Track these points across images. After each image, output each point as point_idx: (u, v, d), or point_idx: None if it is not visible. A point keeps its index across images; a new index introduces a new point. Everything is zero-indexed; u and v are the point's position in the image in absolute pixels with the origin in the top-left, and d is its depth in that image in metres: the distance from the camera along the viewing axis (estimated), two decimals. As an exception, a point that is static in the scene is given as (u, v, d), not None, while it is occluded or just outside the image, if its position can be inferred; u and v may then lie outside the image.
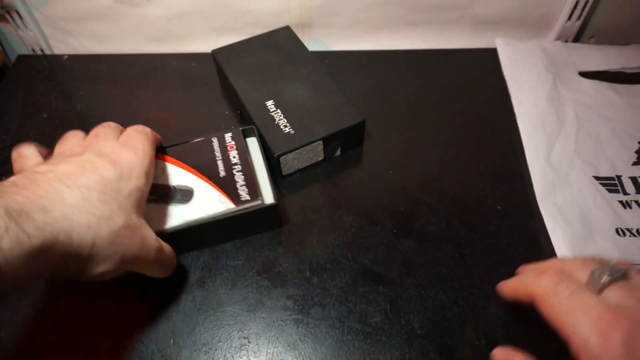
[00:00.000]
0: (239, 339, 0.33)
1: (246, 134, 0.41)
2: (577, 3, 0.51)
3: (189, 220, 0.35)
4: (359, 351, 0.32)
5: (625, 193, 0.40)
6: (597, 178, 0.41)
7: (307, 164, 0.43)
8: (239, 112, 0.46)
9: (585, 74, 0.50)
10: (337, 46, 0.56)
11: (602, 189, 0.40)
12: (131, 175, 0.30)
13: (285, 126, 0.41)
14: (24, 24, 0.54)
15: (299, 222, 0.39)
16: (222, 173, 0.38)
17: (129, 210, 0.28)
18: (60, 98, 0.50)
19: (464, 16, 0.53)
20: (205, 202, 0.36)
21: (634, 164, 0.42)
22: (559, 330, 0.25)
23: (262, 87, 0.44)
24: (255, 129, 0.41)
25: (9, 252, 0.22)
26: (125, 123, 0.47)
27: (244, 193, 0.36)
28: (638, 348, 0.22)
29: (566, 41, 0.55)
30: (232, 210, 0.35)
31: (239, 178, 0.37)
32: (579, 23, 0.53)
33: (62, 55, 0.55)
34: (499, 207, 0.40)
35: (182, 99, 0.50)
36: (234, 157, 0.39)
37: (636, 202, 0.39)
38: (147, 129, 0.35)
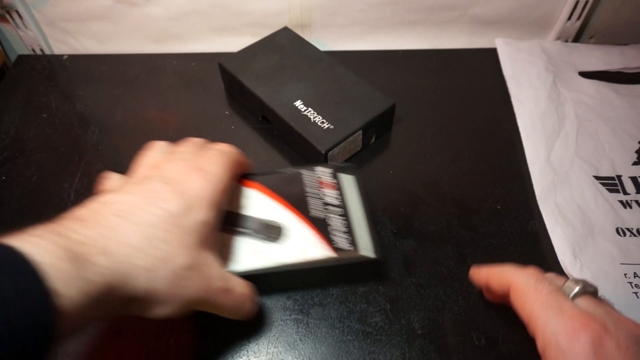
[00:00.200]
0: (239, 339, 0.33)
1: (340, 171, 0.37)
2: (577, 3, 0.51)
3: (279, 262, 0.32)
4: (359, 351, 0.32)
5: (625, 193, 0.40)
6: (597, 178, 0.41)
7: (348, 156, 0.43)
8: (261, 118, 0.46)
9: (585, 74, 0.50)
10: (337, 46, 0.56)
11: (603, 189, 0.40)
12: (198, 207, 0.27)
13: (323, 122, 0.41)
14: (24, 24, 0.54)
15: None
16: (317, 213, 0.34)
17: (192, 248, 0.26)
18: (60, 98, 0.50)
19: (464, 16, 0.53)
20: (297, 244, 0.33)
21: (634, 163, 0.42)
22: (529, 323, 0.26)
23: (285, 89, 0.43)
24: (353, 167, 0.37)
25: (73, 300, 0.20)
26: (125, 123, 0.47)
27: (342, 240, 0.33)
28: (605, 350, 0.23)
29: (566, 41, 0.55)
30: (328, 259, 0.32)
31: (336, 221, 0.34)
32: (579, 23, 0.53)
33: (62, 55, 0.55)
34: (499, 207, 0.40)
35: (182, 99, 0.50)
36: (331, 197, 0.35)
37: (636, 201, 0.39)
38: (232, 152, 0.32)
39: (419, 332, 0.33)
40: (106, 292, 0.22)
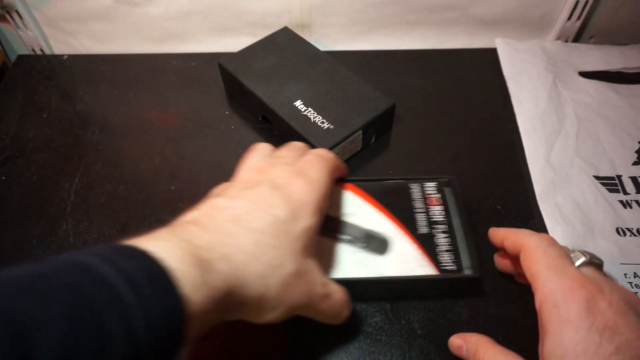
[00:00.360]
0: (239, 339, 0.33)
1: (445, 185, 0.37)
2: (577, 3, 0.51)
3: (383, 275, 0.32)
4: (359, 351, 0.32)
5: (625, 193, 0.40)
6: (597, 178, 0.41)
7: (348, 156, 0.43)
8: (261, 118, 0.46)
9: (585, 74, 0.50)
10: (337, 46, 0.56)
11: (603, 189, 0.40)
12: (304, 214, 0.27)
13: (323, 122, 0.41)
14: (24, 24, 0.54)
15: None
16: (423, 229, 0.34)
17: (299, 254, 0.26)
18: (60, 98, 0.50)
19: (464, 16, 0.53)
20: (401, 259, 0.32)
21: (634, 163, 0.42)
22: (532, 282, 0.28)
23: (285, 90, 0.43)
24: (454, 180, 0.37)
25: (198, 305, 0.21)
26: (125, 123, 0.47)
27: (446, 259, 0.32)
28: (597, 307, 0.25)
29: (566, 41, 0.55)
30: (429, 276, 0.32)
31: (441, 239, 0.33)
32: (579, 23, 0.53)
33: (62, 55, 0.55)
34: (499, 207, 0.40)
35: (182, 99, 0.50)
36: (437, 212, 0.35)
37: (636, 201, 0.39)
38: (330, 156, 0.32)
39: (419, 332, 0.33)
40: (225, 298, 0.22)
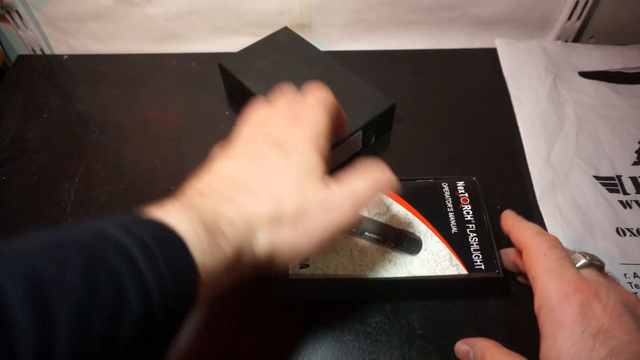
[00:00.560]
0: (239, 339, 0.33)
1: (471, 184, 0.37)
2: (577, 3, 0.51)
3: (414, 275, 0.32)
4: (359, 351, 0.32)
5: (625, 193, 0.40)
6: (597, 178, 0.41)
7: (348, 156, 0.43)
8: None
9: (585, 74, 0.50)
10: (337, 46, 0.56)
11: (602, 189, 0.40)
12: (303, 162, 0.27)
13: None
14: (24, 24, 0.54)
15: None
16: (454, 229, 0.34)
17: (303, 202, 0.25)
18: (60, 98, 0.50)
19: (464, 16, 0.53)
20: (433, 259, 0.33)
21: (634, 163, 0.42)
22: (532, 284, 0.28)
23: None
24: (475, 181, 0.37)
25: (209, 269, 0.22)
26: (125, 123, 0.47)
27: (474, 258, 0.33)
28: (592, 311, 0.25)
29: (566, 41, 0.55)
30: (458, 276, 0.32)
31: (473, 239, 0.33)
32: (579, 23, 0.53)
33: (62, 55, 0.55)
34: (499, 207, 0.40)
35: (182, 99, 0.50)
36: (468, 213, 0.35)
37: (636, 202, 0.39)
38: (324, 96, 0.30)
39: (419, 332, 0.33)
40: (237, 259, 0.23)
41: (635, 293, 0.34)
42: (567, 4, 0.51)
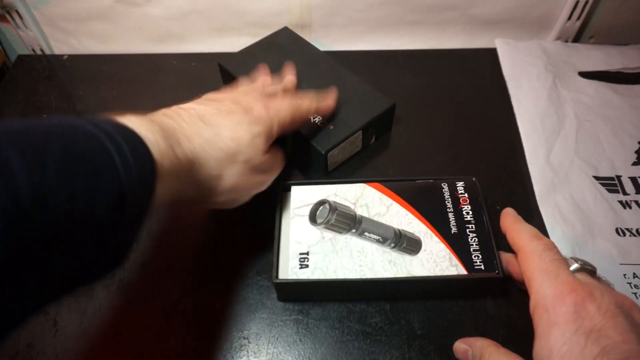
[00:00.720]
0: (239, 339, 0.33)
1: (470, 184, 0.37)
2: (577, 3, 0.51)
3: (414, 275, 0.32)
4: (359, 351, 0.32)
5: (625, 193, 0.40)
6: (596, 178, 0.41)
7: (348, 156, 0.43)
8: None
9: (585, 74, 0.50)
10: (337, 46, 0.56)
11: (602, 189, 0.40)
12: (257, 123, 0.32)
13: (323, 123, 0.41)
14: (24, 24, 0.54)
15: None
16: (454, 229, 0.34)
17: (252, 150, 0.31)
18: (60, 98, 0.50)
19: (464, 16, 0.53)
20: (433, 260, 0.33)
21: (634, 164, 0.42)
22: (527, 285, 0.28)
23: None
24: (474, 180, 0.37)
25: (167, 171, 0.25)
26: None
27: (474, 258, 0.33)
28: (586, 311, 0.25)
29: (566, 41, 0.55)
30: (457, 276, 0.32)
31: (473, 240, 0.34)
32: (579, 23, 0.53)
33: (62, 55, 0.55)
34: (498, 207, 0.40)
35: (182, 99, 0.49)
36: (467, 213, 0.35)
37: (636, 202, 0.39)
38: (300, 103, 0.36)
39: (418, 332, 0.33)
40: (188, 170, 0.28)
41: (635, 293, 0.34)
42: (567, 4, 0.51)
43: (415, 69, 0.52)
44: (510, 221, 0.33)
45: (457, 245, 0.33)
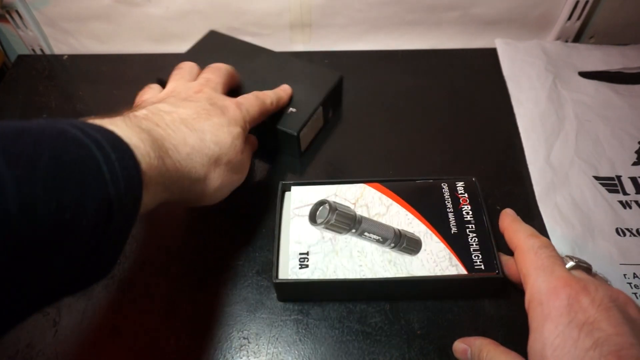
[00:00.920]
0: (239, 339, 0.33)
1: (470, 184, 0.37)
2: (577, 3, 0.51)
3: (414, 275, 0.32)
4: (359, 351, 0.32)
5: (625, 193, 0.40)
6: (597, 178, 0.41)
7: (314, 134, 0.45)
8: None
9: (585, 74, 0.50)
10: (337, 46, 0.56)
11: (602, 189, 0.40)
12: (236, 123, 0.33)
13: (284, 108, 0.42)
14: (24, 24, 0.54)
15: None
16: (454, 229, 0.34)
17: (233, 152, 0.32)
18: (60, 98, 0.50)
19: (464, 16, 0.53)
20: (433, 259, 0.33)
21: (634, 164, 0.42)
22: (523, 281, 0.29)
23: (236, 88, 0.43)
24: (473, 179, 0.37)
25: (154, 181, 0.25)
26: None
27: (474, 258, 0.33)
28: (579, 304, 0.25)
29: (566, 41, 0.55)
30: (457, 276, 0.32)
31: (473, 240, 0.34)
32: (579, 23, 0.53)
33: (62, 55, 0.55)
34: (498, 207, 0.40)
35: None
36: (467, 213, 0.35)
37: (636, 202, 0.39)
38: (264, 98, 0.38)
39: (418, 332, 0.33)
40: (175, 180, 0.28)
41: (635, 293, 0.34)
42: (567, 4, 0.51)
43: (415, 69, 0.52)
44: (508, 221, 0.33)
45: (457, 245, 0.33)
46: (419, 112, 0.48)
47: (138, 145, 0.25)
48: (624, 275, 0.35)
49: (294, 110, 0.42)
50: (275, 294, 0.35)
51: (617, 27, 0.55)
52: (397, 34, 0.55)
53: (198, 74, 0.39)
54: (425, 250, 0.33)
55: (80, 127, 0.23)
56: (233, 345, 0.33)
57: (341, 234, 0.34)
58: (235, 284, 0.36)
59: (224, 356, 0.33)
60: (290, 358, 0.32)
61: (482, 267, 0.32)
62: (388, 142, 0.45)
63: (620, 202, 0.39)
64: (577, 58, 0.51)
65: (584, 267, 0.29)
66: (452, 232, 0.34)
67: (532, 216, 0.39)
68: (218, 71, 0.38)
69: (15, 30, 0.55)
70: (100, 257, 0.23)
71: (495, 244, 0.33)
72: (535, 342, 0.26)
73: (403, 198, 0.36)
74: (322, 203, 0.36)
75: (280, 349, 0.33)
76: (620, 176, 0.41)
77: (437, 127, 0.46)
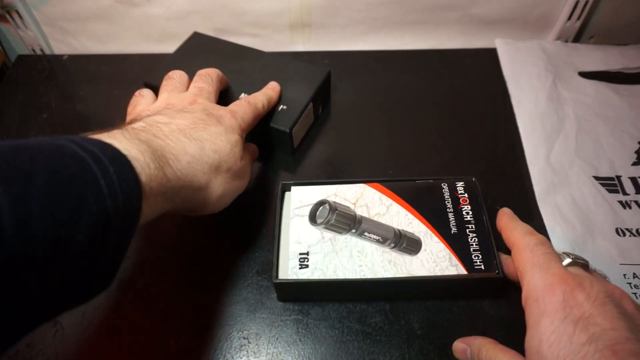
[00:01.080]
0: (239, 339, 0.33)
1: (471, 184, 0.37)
2: (577, 3, 0.51)
3: (414, 275, 0.32)
4: (359, 351, 0.32)
5: (625, 193, 0.40)
6: (596, 178, 0.41)
7: (305, 130, 0.45)
8: None
9: (585, 74, 0.50)
10: (337, 46, 0.56)
11: (602, 189, 0.40)
12: (233, 130, 0.33)
13: (275, 106, 0.42)
14: (24, 24, 0.54)
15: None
16: (454, 229, 0.34)
17: (233, 158, 0.32)
18: (60, 98, 0.50)
19: (464, 16, 0.53)
20: (433, 260, 0.33)
21: (634, 164, 0.42)
22: (520, 277, 0.29)
23: (224, 91, 0.43)
24: (473, 180, 0.37)
25: (155, 192, 0.25)
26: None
27: (474, 258, 0.33)
28: (574, 300, 0.26)
29: (566, 41, 0.55)
30: (457, 276, 0.32)
31: (473, 240, 0.34)
32: (579, 23, 0.53)
33: (62, 55, 0.55)
34: (498, 207, 0.40)
35: (182, 99, 0.50)
36: (467, 213, 0.35)
37: (636, 202, 0.39)
38: (255, 103, 0.38)
39: (418, 332, 0.33)
40: (177, 190, 0.28)
41: (635, 293, 0.34)
42: (567, 4, 0.51)
43: (415, 69, 0.52)
44: (505, 220, 0.34)
45: (457, 245, 0.33)
46: (419, 112, 0.48)
47: (137, 157, 0.25)
48: (624, 275, 0.35)
49: (284, 107, 0.42)
50: (275, 294, 0.35)
51: (617, 27, 0.55)
52: (397, 34, 0.55)
53: (188, 83, 0.39)
54: (425, 250, 0.33)
55: (77, 142, 0.23)
56: (233, 345, 0.33)
57: (341, 234, 0.34)
58: (235, 284, 0.36)
59: (224, 356, 0.33)
60: (290, 358, 0.32)
61: (482, 267, 0.32)
62: (388, 142, 0.45)
63: (620, 202, 0.39)
64: (577, 58, 0.51)
65: (580, 263, 0.29)
66: (452, 232, 0.34)
67: (532, 216, 0.39)
68: (209, 78, 0.38)
69: (15, 30, 0.55)
70: (99, 270, 0.22)
71: (495, 244, 0.33)
72: (531, 339, 0.26)
73: (403, 198, 0.36)
74: (322, 203, 0.36)
75: (280, 349, 0.33)
76: (620, 176, 0.41)
77: (437, 127, 0.46)
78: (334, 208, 0.35)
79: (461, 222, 0.35)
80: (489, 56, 0.53)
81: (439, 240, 0.34)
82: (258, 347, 0.33)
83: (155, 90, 0.43)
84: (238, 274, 0.36)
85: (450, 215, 0.35)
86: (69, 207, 0.20)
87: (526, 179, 0.42)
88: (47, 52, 0.57)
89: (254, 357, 0.32)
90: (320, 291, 0.34)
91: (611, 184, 0.40)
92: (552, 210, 0.39)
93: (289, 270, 0.33)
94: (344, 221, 0.35)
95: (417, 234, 0.34)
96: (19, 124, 0.48)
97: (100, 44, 0.56)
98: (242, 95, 0.43)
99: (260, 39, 0.55)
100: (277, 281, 0.32)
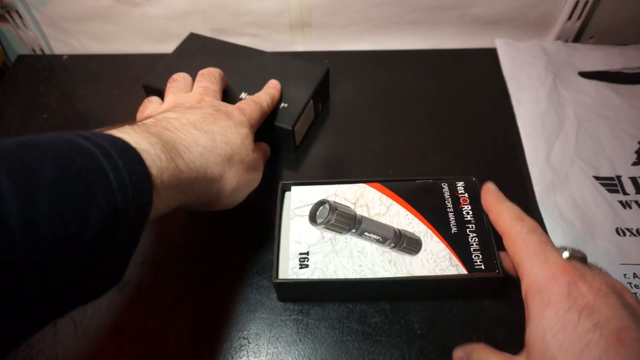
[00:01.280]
0: (239, 339, 0.33)
1: (471, 184, 0.37)
2: (577, 3, 0.51)
3: (414, 275, 0.32)
4: (359, 351, 0.32)
5: (625, 193, 0.40)
6: (597, 178, 0.41)
7: (307, 128, 0.45)
8: None
9: (585, 74, 0.50)
10: (337, 46, 0.56)
11: (602, 189, 0.40)
12: (243, 125, 0.34)
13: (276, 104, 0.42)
14: (24, 24, 0.54)
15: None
16: (454, 229, 0.34)
17: (244, 151, 0.32)
18: (60, 98, 0.50)
19: (464, 16, 0.53)
20: (433, 259, 0.33)
21: (634, 164, 0.42)
22: (517, 268, 0.29)
23: (225, 89, 0.43)
24: (473, 179, 0.37)
25: (167, 184, 0.25)
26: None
27: (474, 258, 0.33)
28: (578, 290, 0.25)
29: (566, 41, 0.55)
30: (457, 275, 0.32)
31: (473, 239, 0.34)
32: (579, 23, 0.53)
33: (62, 55, 0.55)
34: (498, 207, 0.40)
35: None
36: (467, 213, 0.35)
37: (636, 202, 0.39)
38: (261, 102, 0.39)
39: (418, 332, 0.33)
40: (190, 181, 0.28)
41: (635, 293, 0.34)
42: (567, 4, 0.51)
43: (415, 69, 0.52)
44: (491, 201, 0.32)
45: (457, 245, 0.33)
46: (419, 112, 0.48)
47: (148, 150, 0.24)
48: (624, 275, 0.35)
49: (285, 105, 0.42)
50: (275, 294, 0.35)
51: (617, 27, 0.55)
52: (397, 34, 0.55)
53: (192, 84, 0.39)
54: (425, 250, 0.33)
55: (86, 136, 0.22)
56: (233, 345, 0.33)
57: (341, 234, 0.34)
58: (235, 284, 0.36)
59: (224, 356, 0.33)
60: (290, 358, 0.32)
61: (482, 267, 0.32)
62: (388, 142, 0.45)
63: (620, 202, 0.39)
64: (577, 58, 0.51)
65: (578, 257, 0.29)
66: (452, 232, 0.34)
67: (532, 216, 0.39)
68: (212, 77, 0.39)
69: (15, 30, 0.55)
70: (109, 265, 0.22)
71: (496, 244, 0.33)
72: (535, 329, 0.26)
73: (403, 198, 0.36)
74: (322, 203, 0.36)
75: (280, 349, 0.33)
76: (620, 176, 0.41)
77: (437, 127, 0.46)
78: (334, 208, 0.35)
79: (461, 222, 0.35)
80: (489, 56, 0.53)
81: (439, 240, 0.34)
82: (258, 347, 0.33)
83: (154, 92, 0.44)
84: (238, 274, 0.36)
85: (451, 215, 0.35)
86: (78, 202, 0.20)
87: (526, 179, 0.42)
88: (47, 52, 0.57)
89: (254, 357, 0.32)
90: (320, 291, 0.34)
91: (611, 184, 0.40)
92: (552, 210, 0.39)
93: (289, 270, 0.33)
94: (344, 221, 0.35)
95: (417, 233, 0.34)
96: (19, 124, 0.48)
97: (100, 44, 0.56)
98: (243, 94, 0.43)
99: (260, 39, 0.55)
100: (277, 281, 0.32)
